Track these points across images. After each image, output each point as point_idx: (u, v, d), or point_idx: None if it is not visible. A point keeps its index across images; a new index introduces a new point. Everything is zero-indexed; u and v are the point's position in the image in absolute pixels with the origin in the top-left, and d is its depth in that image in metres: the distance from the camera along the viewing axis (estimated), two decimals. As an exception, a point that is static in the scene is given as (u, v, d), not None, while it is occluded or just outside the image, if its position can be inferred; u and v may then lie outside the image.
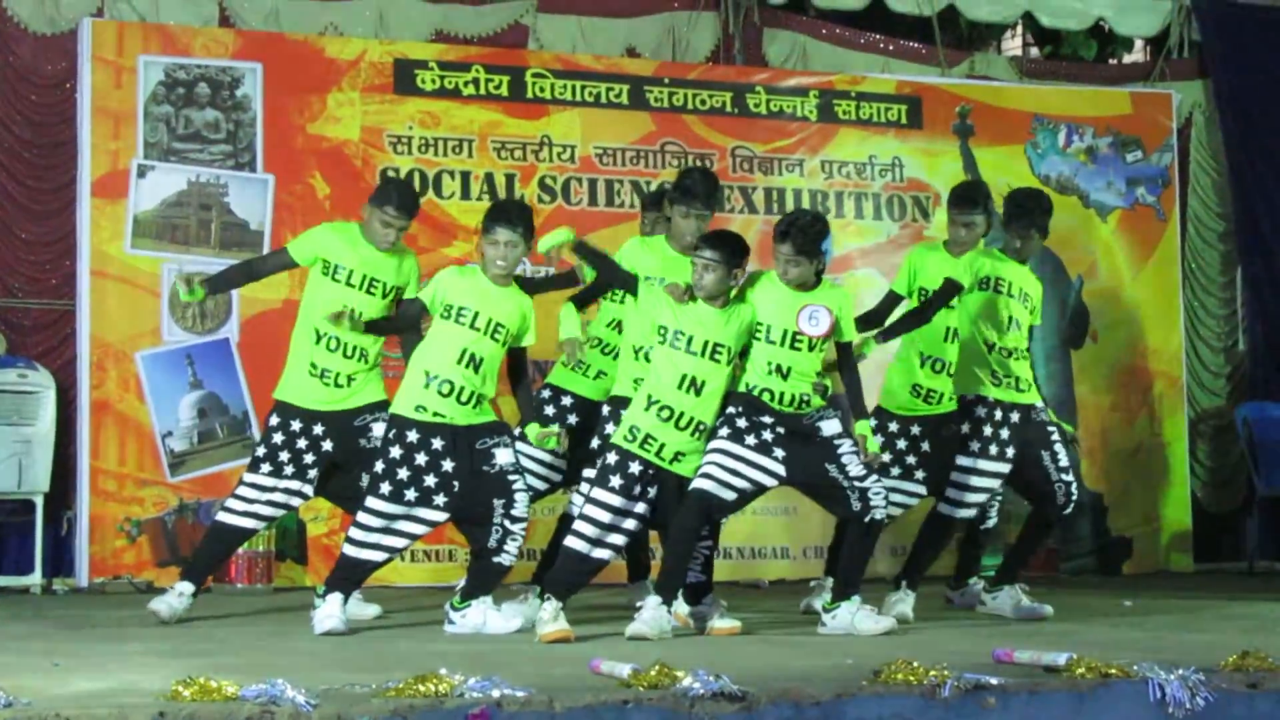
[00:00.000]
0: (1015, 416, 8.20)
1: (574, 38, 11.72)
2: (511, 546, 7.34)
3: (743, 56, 12.17)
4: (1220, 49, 13.09)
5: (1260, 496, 12.45)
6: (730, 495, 7.21)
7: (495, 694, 4.63)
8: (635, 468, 7.19)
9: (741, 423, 7.21)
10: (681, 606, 7.44)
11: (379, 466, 7.35)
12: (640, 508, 7.23)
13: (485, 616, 7.37)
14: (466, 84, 11.02)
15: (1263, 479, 12.36)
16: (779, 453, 7.21)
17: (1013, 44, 14.49)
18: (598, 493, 7.21)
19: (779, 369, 7.24)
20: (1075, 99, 12.61)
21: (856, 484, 7.20)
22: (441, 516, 7.38)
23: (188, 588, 7.86)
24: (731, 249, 7.27)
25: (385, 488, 7.30)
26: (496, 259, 7.41)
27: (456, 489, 7.31)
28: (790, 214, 7.62)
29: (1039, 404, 8.35)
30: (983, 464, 8.16)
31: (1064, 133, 12.42)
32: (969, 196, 8.52)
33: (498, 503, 7.31)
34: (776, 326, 7.25)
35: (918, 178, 11.91)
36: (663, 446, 7.20)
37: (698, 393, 7.19)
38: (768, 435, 7.22)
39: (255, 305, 10.25)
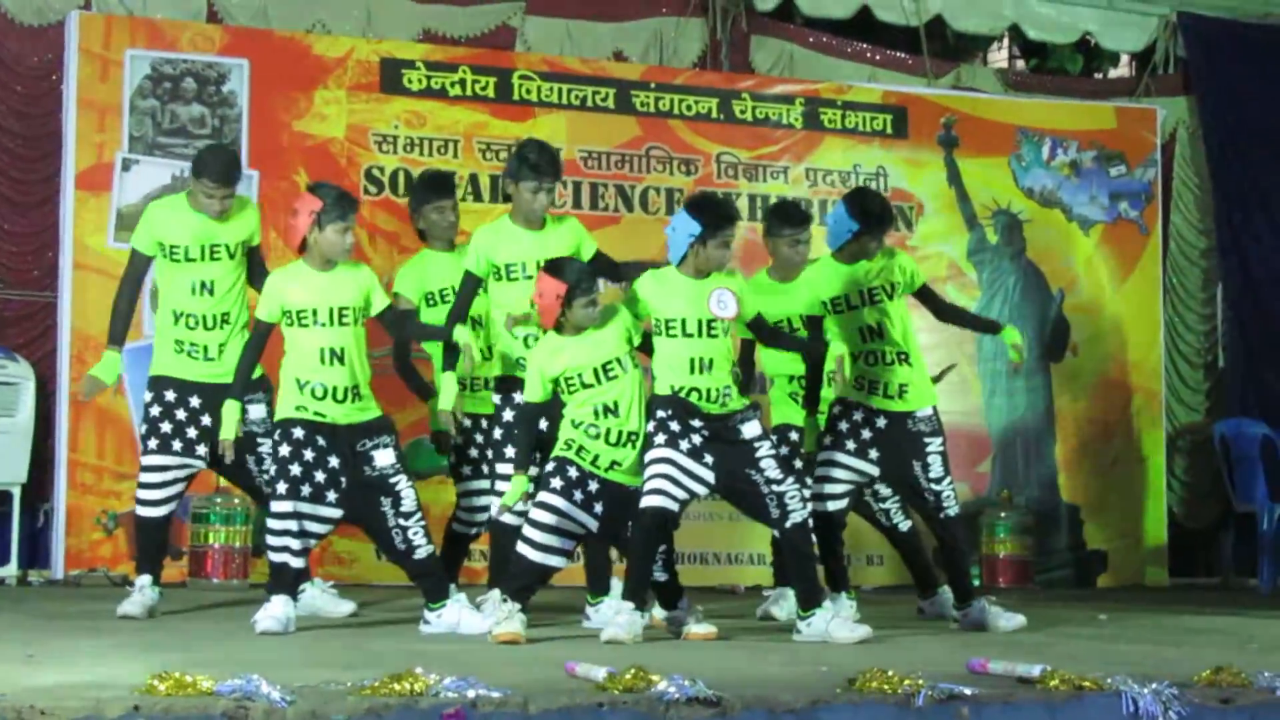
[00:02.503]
0: (881, 422, 7.90)
1: (561, 40, 11.74)
2: (417, 539, 7.34)
3: (729, 63, 12.20)
4: (1206, 65, 13.15)
5: (1236, 512, 12.50)
6: (677, 506, 7.20)
7: (470, 694, 4.63)
8: (573, 471, 7.17)
9: (674, 426, 7.14)
10: (657, 610, 7.44)
11: (272, 469, 7.33)
12: (584, 517, 7.18)
13: (460, 615, 7.36)
14: (453, 84, 11.03)
15: (1238, 495, 12.41)
16: (708, 458, 7.16)
17: (999, 56, 14.54)
18: (541, 496, 7.18)
19: (702, 363, 7.18)
20: (1060, 112, 12.66)
21: (774, 488, 7.17)
22: (336, 514, 7.30)
23: (146, 579, 7.83)
24: (597, 277, 7.33)
25: (281, 486, 7.23)
26: (347, 245, 7.36)
27: (344, 486, 7.27)
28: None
29: (919, 411, 7.96)
30: (839, 456, 7.90)
31: (1048, 146, 12.46)
32: (799, 215, 8.56)
33: (385, 501, 7.31)
34: (690, 318, 7.20)
35: (901, 188, 11.93)
36: (597, 456, 7.20)
37: (615, 413, 7.18)
38: (697, 439, 7.15)
39: (237, 301, 10.22)
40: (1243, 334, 13.07)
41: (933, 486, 7.94)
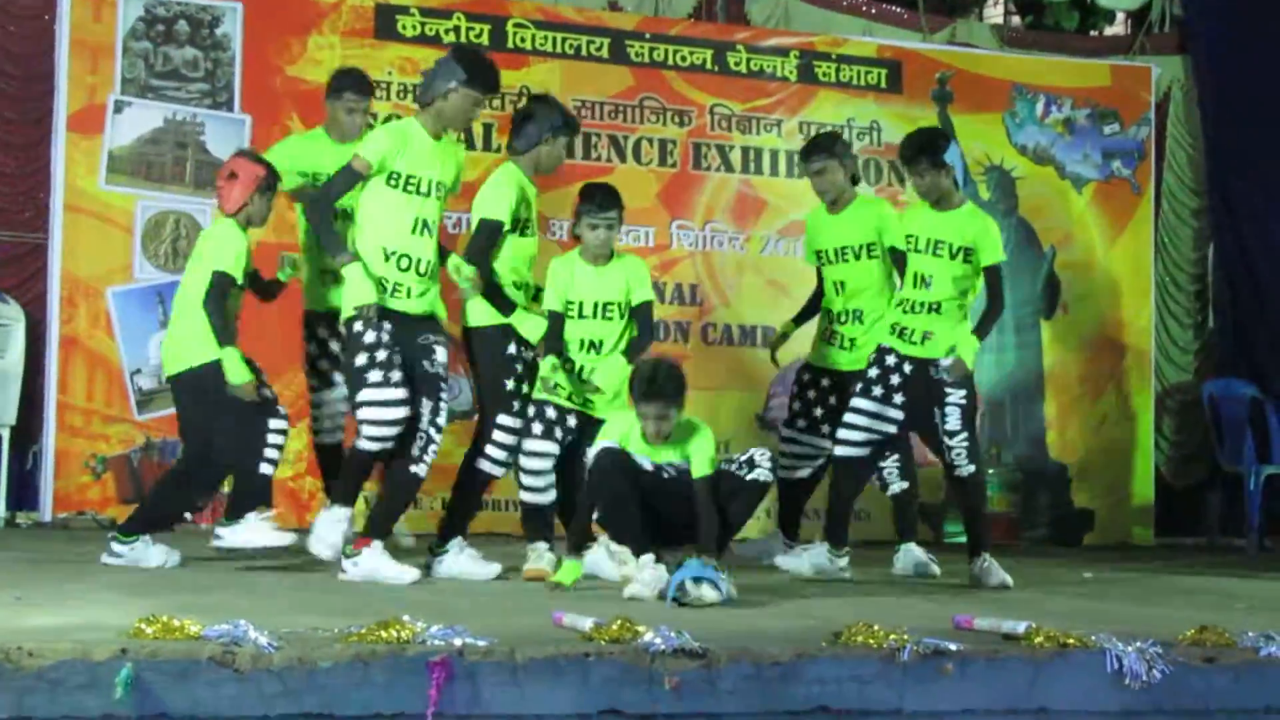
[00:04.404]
0: (909, 368, 8.06)
1: (556, -11, 11.70)
2: (429, 456, 7.25)
3: (725, 14, 12.16)
4: (1201, 25, 13.12)
5: (1223, 472, 12.53)
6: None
7: (457, 643, 4.64)
8: (550, 411, 7.47)
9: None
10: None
11: (361, 359, 7.11)
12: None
13: (377, 562, 7.13)
14: (447, 31, 10.99)
15: (1226, 455, 12.44)
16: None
17: (995, 12, 14.48)
18: (527, 444, 7.49)
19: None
20: (1055, 69, 12.63)
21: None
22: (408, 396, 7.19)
23: (348, 511, 7.39)
24: (620, 204, 7.63)
25: (374, 375, 7.10)
26: (475, 116, 7.59)
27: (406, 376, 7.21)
28: None
29: (943, 360, 8.03)
30: (863, 403, 8.08)
31: (1042, 103, 12.44)
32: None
33: (427, 405, 7.23)
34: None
35: (895, 142, 11.83)
36: (571, 394, 7.49)
37: (597, 351, 7.47)
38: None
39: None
40: (1233, 294, 13.07)
41: (947, 440, 8.02)
